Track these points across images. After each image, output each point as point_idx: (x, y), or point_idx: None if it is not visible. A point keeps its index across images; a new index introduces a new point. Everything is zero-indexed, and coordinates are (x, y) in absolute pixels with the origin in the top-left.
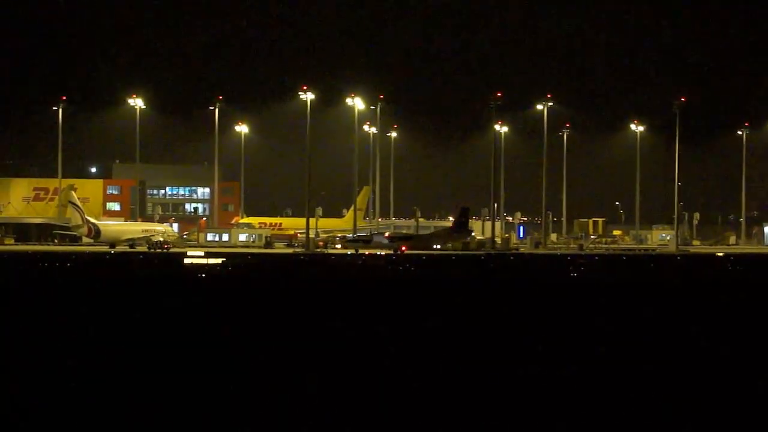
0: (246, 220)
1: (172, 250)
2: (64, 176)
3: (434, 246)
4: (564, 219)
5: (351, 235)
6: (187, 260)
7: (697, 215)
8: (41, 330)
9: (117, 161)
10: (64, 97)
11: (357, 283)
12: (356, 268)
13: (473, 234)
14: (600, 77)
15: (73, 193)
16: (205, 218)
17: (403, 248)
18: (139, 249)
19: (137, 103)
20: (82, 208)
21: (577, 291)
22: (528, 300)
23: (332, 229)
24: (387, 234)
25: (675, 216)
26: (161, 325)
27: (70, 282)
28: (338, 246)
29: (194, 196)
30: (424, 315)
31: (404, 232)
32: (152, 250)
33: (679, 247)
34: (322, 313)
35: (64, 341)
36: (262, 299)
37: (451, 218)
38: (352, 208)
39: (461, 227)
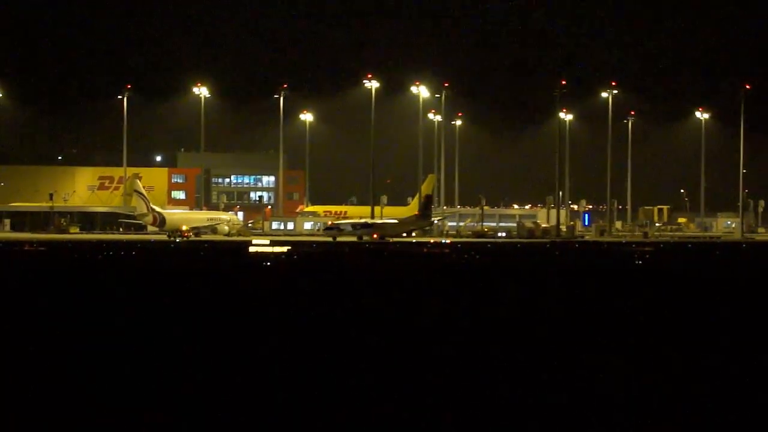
0: (311, 208)
1: (202, 237)
2: (129, 165)
3: (402, 233)
4: (629, 207)
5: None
6: (252, 249)
7: (762, 203)
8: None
9: (182, 150)
10: (129, 86)
11: (427, 271)
12: (424, 256)
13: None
14: (665, 64)
15: (138, 181)
16: (270, 207)
17: (375, 235)
18: (204, 237)
19: (202, 91)
20: (147, 196)
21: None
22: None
23: (397, 218)
24: (352, 222)
25: (740, 203)
26: (228, 314)
27: (138, 271)
28: (404, 234)
29: (259, 185)
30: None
31: (368, 221)
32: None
33: (745, 234)
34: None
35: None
36: (330, 287)
37: (515, 206)
38: (416, 196)
39: (425, 214)
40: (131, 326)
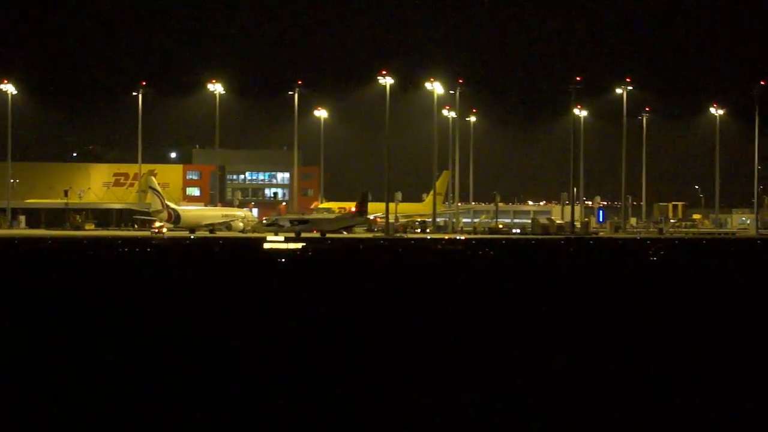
0: (325, 205)
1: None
2: (144, 162)
3: (339, 229)
4: (644, 203)
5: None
6: (266, 245)
7: None
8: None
9: (197, 146)
10: (144, 83)
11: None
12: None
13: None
14: (680, 60)
15: (153, 178)
16: (284, 203)
17: (314, 230)
18: (219, 234)
19: (217, 88)
20: (162, 193)
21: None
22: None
23: (412, 214)
24: (290, 217)
25: (755, 200)
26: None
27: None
28: (418, 230)
29: (274, 181)
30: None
31: (305, 216)
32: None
33: (759, 231)
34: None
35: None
36: (344, 283)
37: (530, 202)
38: (431, 192)
39: (362, 211)
40: (143, 324)
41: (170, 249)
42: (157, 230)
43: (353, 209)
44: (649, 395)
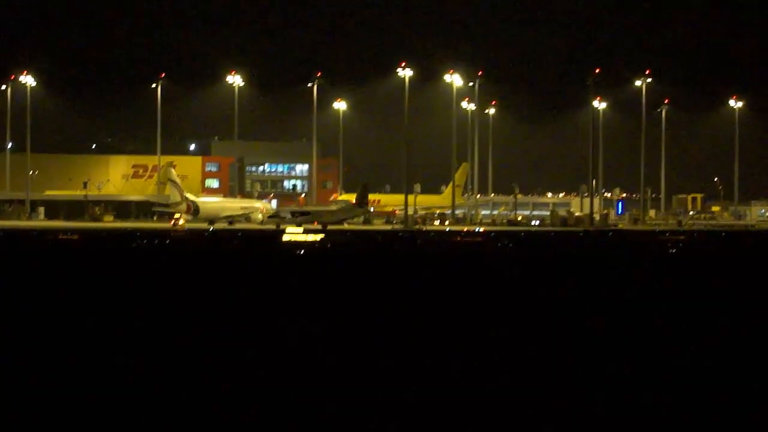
0: (344, 197)
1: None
2: (162, 153)
3: (340, 220)
4: (662, 195)
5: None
6: (285, 237)
7: None
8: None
9: (216, 138)
10: (163, 74)
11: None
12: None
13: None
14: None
15: (172, 170)
16: (303, 195)
17: (315, 223)
18: (238, 226)
19: (236, 79)
20: (180, 185)
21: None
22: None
23: (431, 206)
24: (291, 209)
25: None
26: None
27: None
28: (437, 222)
29: (293, 173)
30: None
31: (306, 209)
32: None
33: None
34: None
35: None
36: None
37: (549, 194)
38: (450, 184)
39: (362, 203)
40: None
41: (191, 241)
42: (176, 222)
43: (354, 201)
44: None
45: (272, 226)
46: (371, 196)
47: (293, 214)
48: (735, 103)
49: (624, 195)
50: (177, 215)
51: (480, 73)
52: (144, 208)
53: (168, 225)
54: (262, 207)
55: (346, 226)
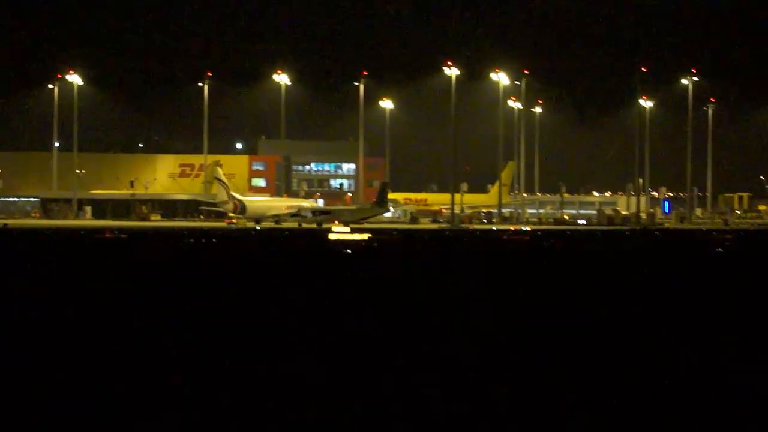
0: (391, 195)
1: (282, 225)
2: (209, 152)
3: (360, 220)
4: (709, 194)
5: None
6: (332, 236)
7: None
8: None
9: (262, 137)
10: (210, 73)
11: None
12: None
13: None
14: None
15: (219, 169)
16: (350, 194)
17: (336, 221)
18: (285, 225)
19: (283, 78)
20: (227, 184)
21: None
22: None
23: (477, 205)
24: (312, 208)
25: None
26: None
27: (220, 259)
28: (483, 221)
29: (339, 172)
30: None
31: (327, 208)
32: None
33: None
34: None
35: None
36: (415, 275)
37: (595, 193)
38: (496, 183)
39: (382, 202)
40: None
41: (243, 239)
42: (231, 221)
43: (374, 200)
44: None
45: (313, 225)
46: (418, 195)
47: (314, 213)
48: None
49: (671, 194)
50: (232, 214)
51: (526, 71)
52: (190, 207)
53: (219, 224)
54: (308, 206)
55: (396, 225)
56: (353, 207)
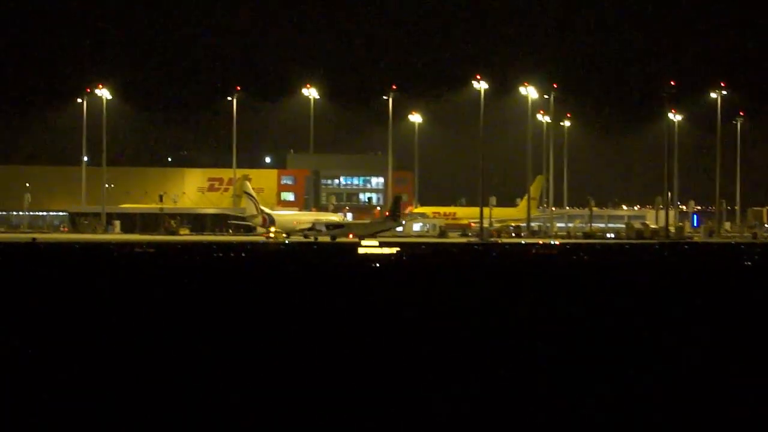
0: (420, 209)
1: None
2: (238, 166)
3: (373, 233)
4: (738, 207)
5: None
6: (361, 250)
7: None
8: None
9: (291, 151)
10: (239, 88)
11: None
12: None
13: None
14: None
15: (247, 183)
16: (379, 208)
17: (350, 235)
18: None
19: (311, 92)
20: (256, 198)
21: None
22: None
23: (506, 219)
24: (326, 222)
25: None
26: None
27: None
28: (512, 235)
29: (368, 186)
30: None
31: (341, 221)
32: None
33: None
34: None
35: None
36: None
37: (624, 207)
38: (525, 197)
39: (395, 216)
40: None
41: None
42: (268, 235)
43: (387, 213)
44: None
45: (327, 239)
46: (447, 209)
47: (328, 227)
48: None
49: (699, 207)
50: (262, 229)
51: (555, 85)
52: (220, 221)
53: (251, 238)
54: (337, 220)
55: (425, 239)
56: (366, 221)
